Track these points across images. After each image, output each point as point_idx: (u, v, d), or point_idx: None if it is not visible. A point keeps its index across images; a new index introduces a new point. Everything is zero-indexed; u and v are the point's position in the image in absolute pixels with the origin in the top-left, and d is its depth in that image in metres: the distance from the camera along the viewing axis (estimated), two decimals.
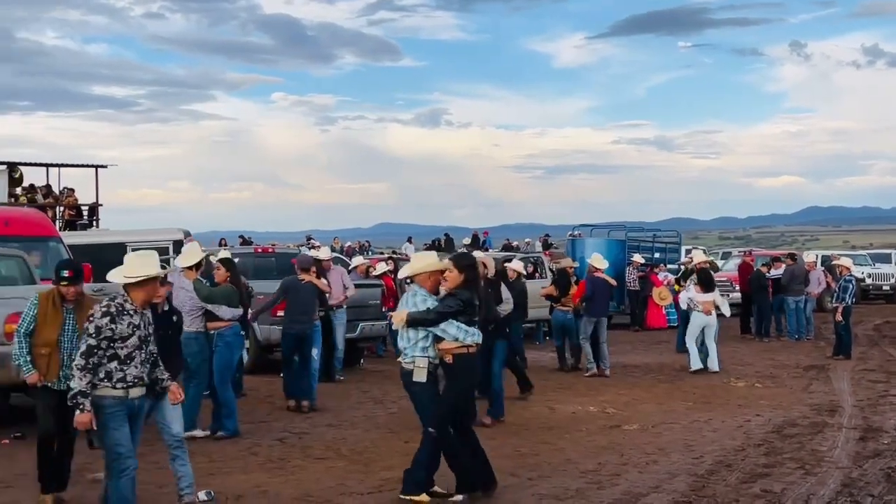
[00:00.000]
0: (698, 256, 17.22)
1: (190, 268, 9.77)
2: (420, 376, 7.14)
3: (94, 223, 24.55)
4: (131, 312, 6.07)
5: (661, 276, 22.21)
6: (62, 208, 24.26)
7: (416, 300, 7.23)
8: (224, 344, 9.90)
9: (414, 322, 7.10)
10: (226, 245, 26.45)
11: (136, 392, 6.09)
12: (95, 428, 6.00)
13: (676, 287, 18.81)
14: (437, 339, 7.18)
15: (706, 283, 14.87)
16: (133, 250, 18.20)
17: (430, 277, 7.34)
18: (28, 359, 7.04)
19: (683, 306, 15.85)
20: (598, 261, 14.95)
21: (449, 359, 7.18)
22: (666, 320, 22.34)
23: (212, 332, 9.88)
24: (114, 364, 5.99)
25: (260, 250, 17.58)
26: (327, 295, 12.95)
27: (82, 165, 25.63)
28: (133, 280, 6.13)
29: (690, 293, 15.11)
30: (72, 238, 15.77)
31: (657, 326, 22.28)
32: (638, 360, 16.47)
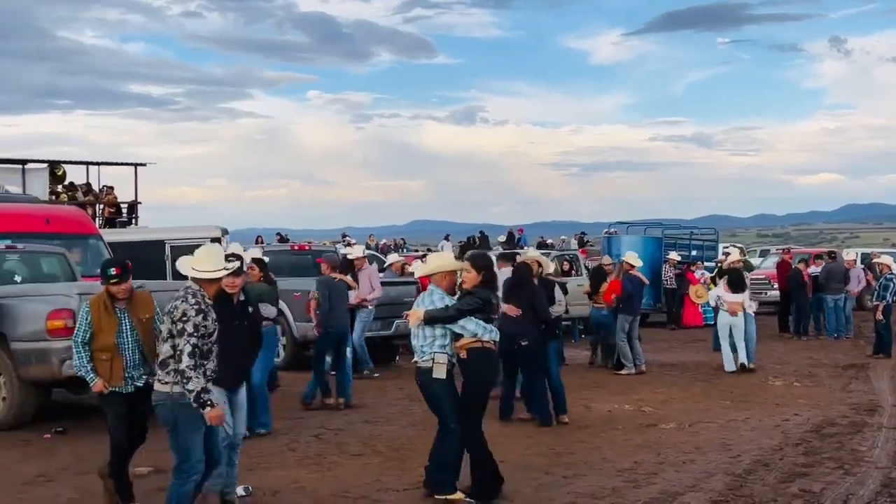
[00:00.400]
0: (733, 255, 17.10)
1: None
2: (440, 373, 7.13)
3: (133, 221, 24.81)
4: (209, 307, 6.07)
5: (697, 274, 22.06)
6: (102, 206, 24.54)
7: (432, 299, 7.24)
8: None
9: (432, 319, 7.10)
10: (262, 243, 26.65)
11: (212, 387, 6.06)
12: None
13: (712, 285, 18.65)
14: (456, 337, 7.20)
15: (735, 284, 14.72)
16: (172, 248, 18.57)
17: (445, 277, 7.35)
18: (89, 367, 6.77)
19: (711, 303, 15.84)
20: (633, 259, 14.90)
21: (463, 354, 7.23)
22: (702, 318, 22.16)
23: None
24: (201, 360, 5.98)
25: (297, 248, 17.70)
26: (351, 293, 12.95)
27: (122, 164, 25.90)
28: (203, 275, 6.12)
29: (719, 291, 15.04)
30: (111, 235, 15.97)
31: (693, 324, 22.12)
32: (674, 358, 16.38)
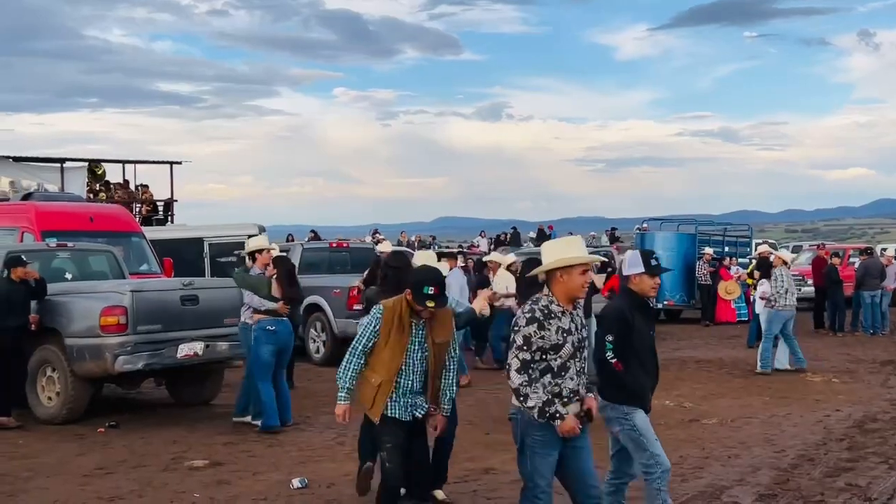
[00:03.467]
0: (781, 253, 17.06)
1: (249, 256, 10.41)
2: None
3: (170, 219, 25.14)
4: (559, 315, 5.02)
5: (731, 271, 22.09)
6: (139, 204, 24.89)
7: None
8: (253, 338, 9.88)
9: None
10: (293, 240, 26.90)
11: (573, 409, 5.08)
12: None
13: (749, 281, 18.66)
14: None
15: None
16: (210, 245, 18.80)
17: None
18: (348, 383, 5.83)
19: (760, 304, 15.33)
20: None
21: None
22: (735, 314, 22.21)
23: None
24: (547, 378, 5.00)
25: (335, 245, 17.89)
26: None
27: (158, 162, 26.21)
28: (563, 264, 5.03)
29: (764, 287, 14.78)
30: (152, 233, 16.24)
31: (726, 321, 22.16)
32: (710, 354, 16.44)
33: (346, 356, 5.83)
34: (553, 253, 5.13)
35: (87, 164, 24.52)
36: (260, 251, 10.39)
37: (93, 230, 13.52)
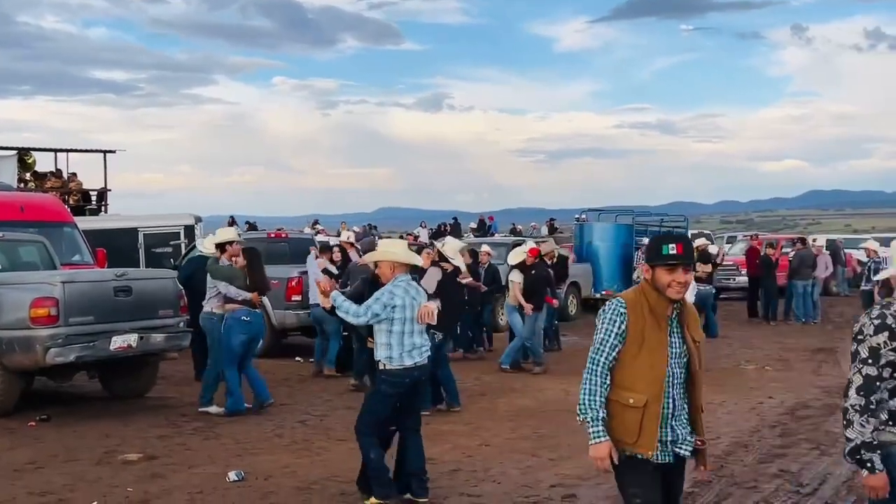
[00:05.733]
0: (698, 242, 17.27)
1: (218, 247, 10.29)
2: None
3: (104, 208, 24.65)
4: None
5: None
6: (69, 194, 24.34)
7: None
8: (226, 327, 10.11)
9: None
10: (234, 224, 26.62)
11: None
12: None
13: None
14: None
15: None
16: (145, 235, 18.46)
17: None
18: (603, 411, 4.09)
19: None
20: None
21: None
22: None
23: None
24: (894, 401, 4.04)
25: (273, 235, 17.70)
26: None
27: (91, 150, 25.63)
28: None
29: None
30: (85, 223, 15.90)
31: None
32: None
33: (585, 378, 4.14)
34: None
35: (16, 152, 23.90)
36: (230, 242, 10.32)
37: (23, 220, 13.17)
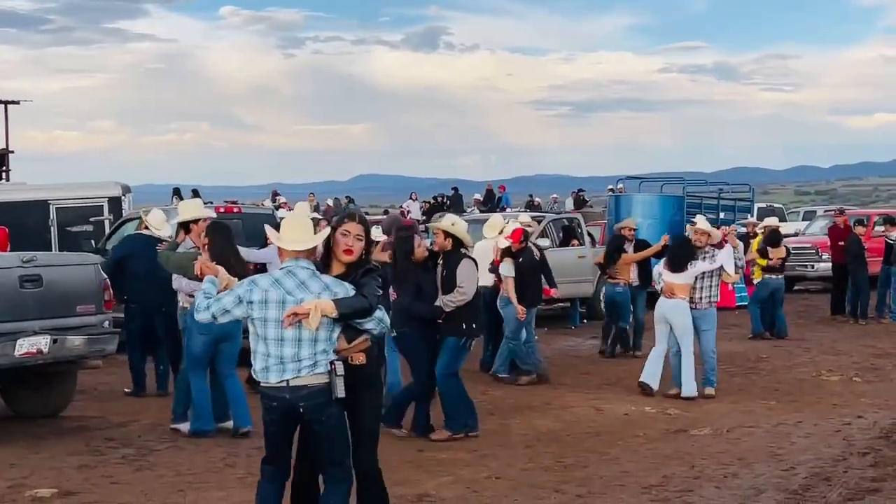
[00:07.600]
0: (770, 222, 17.15)
1: (181, 226, 10.49)
2: (341, 390, 6.10)
3: (4, 175, 24.64)
4: None
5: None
6: None
7: (325, 283, 6.20)
8: (185, 328, 10.29)
9: (351, 314, 6.15)
10: (179, 195, 26.60)
11: None
12: None
13: (761, 262, 18.74)
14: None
15: (673, 262, 12.83)
16: (58, 210, 18.46)
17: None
18: None
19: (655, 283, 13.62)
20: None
21: (360, 359, 6.41)
22: (734, 298, 22.48)
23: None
24: None
25: (222, 209, 17.64)
26: None
27: None
28: None
29: (659, 267, 13.27)
30: None
31: (724, 306, 22.41)
32: None
33: None
34: None
35: None
36: (195, 221, 10.32)
37: None
